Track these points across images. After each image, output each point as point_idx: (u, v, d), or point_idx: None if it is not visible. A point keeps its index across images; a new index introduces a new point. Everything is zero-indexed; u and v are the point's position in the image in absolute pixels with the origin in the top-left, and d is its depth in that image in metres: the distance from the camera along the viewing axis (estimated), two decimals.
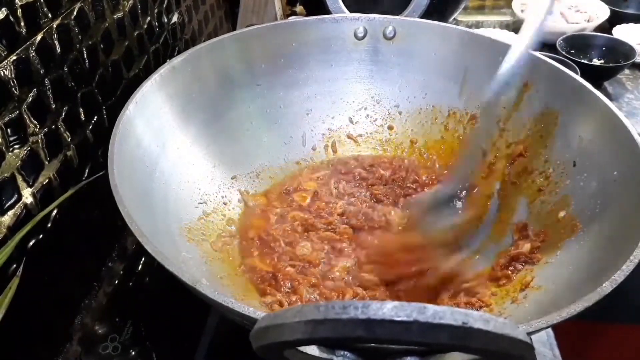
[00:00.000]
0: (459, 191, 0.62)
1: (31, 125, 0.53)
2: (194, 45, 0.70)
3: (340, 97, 0.77)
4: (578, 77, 0.61)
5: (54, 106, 0.56)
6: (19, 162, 0.51)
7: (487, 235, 0.63)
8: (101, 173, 0.52)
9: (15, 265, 0.50)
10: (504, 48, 0.67)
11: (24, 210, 0.52)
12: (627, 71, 1.01)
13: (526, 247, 0.58)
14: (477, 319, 0.24)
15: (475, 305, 0.54)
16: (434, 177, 0.73)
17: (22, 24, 0.50)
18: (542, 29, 0.56)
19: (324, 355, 0.31)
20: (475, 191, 0.65)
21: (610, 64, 0.99)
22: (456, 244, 0.60)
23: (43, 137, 0.55)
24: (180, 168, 0.62)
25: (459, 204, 0.61)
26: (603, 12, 1.11)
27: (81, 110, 0.62)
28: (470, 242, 0.62)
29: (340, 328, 0.25)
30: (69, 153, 0.60)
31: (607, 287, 0.39)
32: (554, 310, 0.38)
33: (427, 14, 0.84)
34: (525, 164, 0.65)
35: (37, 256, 0.53)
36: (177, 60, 0.64)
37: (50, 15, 0.54)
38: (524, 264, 0.57)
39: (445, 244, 0.59)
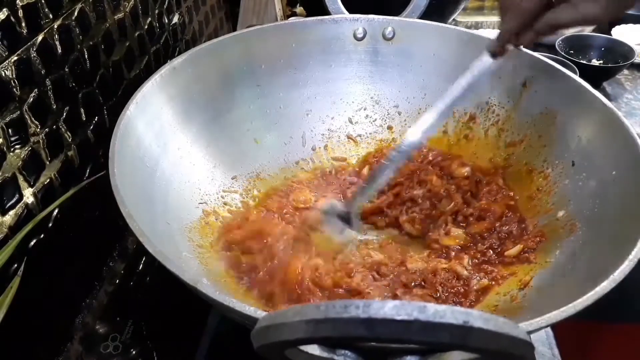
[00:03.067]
0: None
1: (32, 125, 0.53)
2: (195, 45, 0.70)
3: (340, 97, 0.77)
4: (577, 78, 0.61)
5: (55, 106, 0.56)
6: (20, 162, 0.52)
7: None
8: (102, 173, 0.52)
9: (16, 265, 0.50)
10: None
11: (25, 210, 0.52)
12: (626, 71, 1.01)
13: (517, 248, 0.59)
14: (477, 318, 0.24)
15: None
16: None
17: (23, 24, 0.50)
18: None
19: (325, 355, 0.31)
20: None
21: (609, 65, 0.99)
22: None
23: (44, 137, 0.55)
24: (180, 168, 0.62)
25: None
26: None
27: (82, 110, 0.62)
28: None
29: (341, 327, 0.25)
30: (70, 153, 0.60)
31: (606, 286, 0.39)
32: (554, 309, 0.38)
33: (427, 15, 0.84)
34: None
35: (38, 256, 0.54)
36: (177, 60, 0.64)
37: (51, 15, 0.54)
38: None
39: None
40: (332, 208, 0.62)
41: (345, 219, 0.62)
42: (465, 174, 0.67)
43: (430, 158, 0.70)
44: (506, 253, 0.59)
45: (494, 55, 0.57)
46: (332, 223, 0.61)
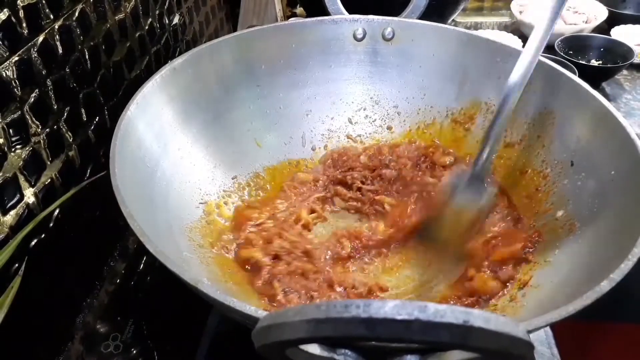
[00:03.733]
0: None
1: (33, 125, 0.53)
2: (195, 46, 0.71)
3: (340, 97, 0.77)
4: (576, 78, 0.61)
5: (55, 107, 0.57)
6: (21, 162, 0.52)
7: None
8: (103, 173, 0.52)
9: (17, 265, 0.50)
10: (502, 49, 0.69)
11: (26, 210, 0.53)
12: (625, 72, 1.02)
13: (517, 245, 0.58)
14: (477, 317, 0.24)
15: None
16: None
17: (24, 24, 0.51)
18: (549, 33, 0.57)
19: (325, 354, 0.31)
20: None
21: (609, 65, 0.99)
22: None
23: (45, 138, 0.55)
24: (181, 168, 0.62)
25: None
26: (601, 13, 1.12)
27: (83, 110, 0.62)
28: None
29: (342, 327, 0.25)
30: (70, 153, 0.60)
31: (605, 285, 0.40)
32: (553, 309, 0.38)
33: (426, 15, 0.84)
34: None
35: (39, 255, 0.54)
36: (178, 61, 0.64)
37: (52, 16, 0.55)
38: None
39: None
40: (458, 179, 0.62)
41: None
42: (448, 162, 0.70)
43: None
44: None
45: None
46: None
